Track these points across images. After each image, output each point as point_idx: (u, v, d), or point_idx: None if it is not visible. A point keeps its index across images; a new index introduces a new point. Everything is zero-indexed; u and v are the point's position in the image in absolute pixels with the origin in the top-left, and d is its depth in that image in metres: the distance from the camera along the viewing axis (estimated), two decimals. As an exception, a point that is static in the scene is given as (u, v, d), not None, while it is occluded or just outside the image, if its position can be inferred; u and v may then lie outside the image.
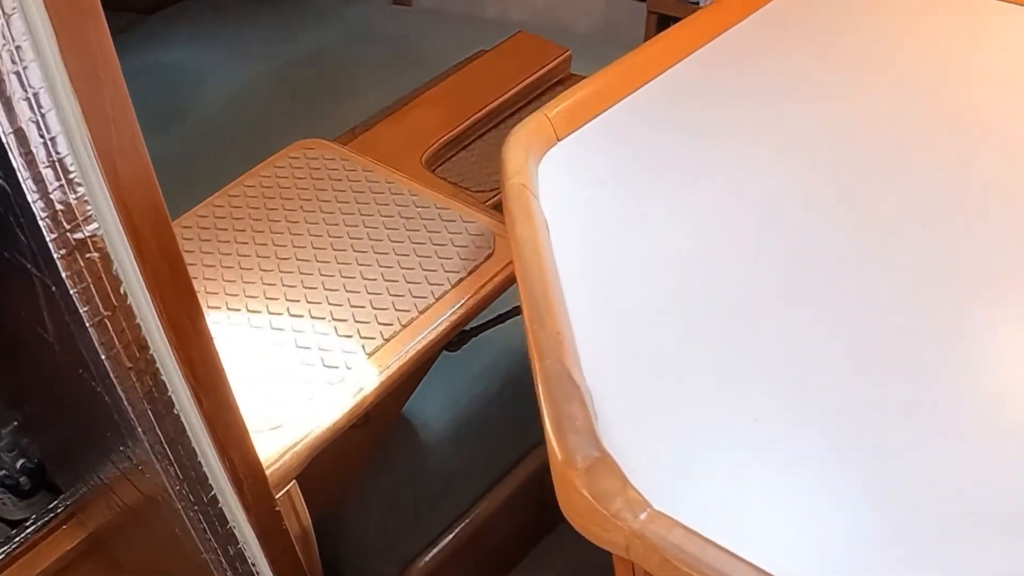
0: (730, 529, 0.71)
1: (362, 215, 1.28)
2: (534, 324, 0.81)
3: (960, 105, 1.14)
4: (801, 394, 0.81)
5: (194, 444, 0.87)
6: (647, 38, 2.61)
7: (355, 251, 1.25)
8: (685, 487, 0.74)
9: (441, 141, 1.65)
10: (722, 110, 1.17)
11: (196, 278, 1.22)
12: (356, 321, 1.17)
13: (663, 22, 2.47)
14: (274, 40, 2.29)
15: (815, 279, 0.92)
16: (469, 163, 1.66)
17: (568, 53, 1.80)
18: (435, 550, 1.45)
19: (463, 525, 1.47)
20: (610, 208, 1.03)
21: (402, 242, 1.26)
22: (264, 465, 0.99)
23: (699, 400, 0.81)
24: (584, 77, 1.80)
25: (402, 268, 1.22)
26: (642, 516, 0.69)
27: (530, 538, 1.64)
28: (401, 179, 1.35)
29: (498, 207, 1.54)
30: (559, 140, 1.13)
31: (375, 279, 1.21)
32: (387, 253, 1.25)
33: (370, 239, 1.26)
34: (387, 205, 1.30)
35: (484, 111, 1.70)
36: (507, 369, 1.42)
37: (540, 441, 1.50)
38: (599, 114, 1.15)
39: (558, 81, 1.80)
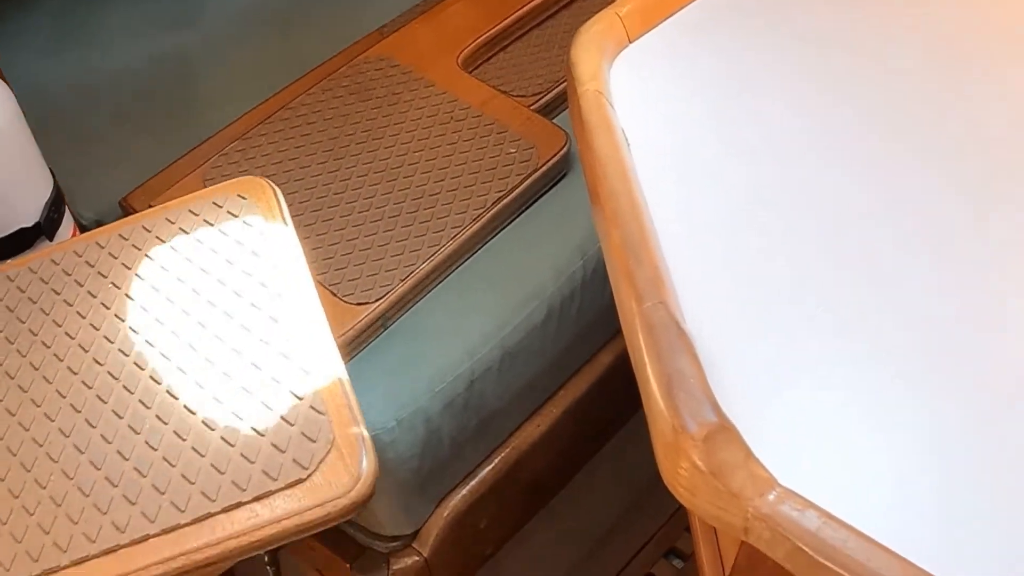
0: (867, 512, 0.60)
1: (215, 338, 0.96)
2: (628, 260, 0.69)
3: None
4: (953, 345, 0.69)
5: None
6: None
7: (169, 396, 0.92)
8: (810, 459, 0.63)
9: (479, 41, 1.52)
10: (838, 7, 1.02)
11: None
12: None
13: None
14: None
15: (954, 221, 0.80)
16: (509, 65, 1.52)
17: (616, -53, 1.65)
18: (470, 484, 1.36)
19: (500, 458, 1.38)
20: (696, 127, 0.90)
21: (221, 404, 0.90)
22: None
23: (822, 354, 0.69)
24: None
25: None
26: (771, 496, 0.58)
27: (568, 469, 1.55)
28: (305, 292, 0.98)
29: (543, 111, 1.42)
30: (631, 43, 0.99)
31: (179, 442, 0.89)
32: (195, 412, 0.90)
33: (197, 384, 0.92)
34: (249, 332, 0.96)
35: (524, 9, 1.56)
36: (550, 297, 1.31)
37: (577, 370, 1.44)
38: (678, 11, 1.01)
39: (604, -22, 1.66)
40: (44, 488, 0.87)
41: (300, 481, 0.82)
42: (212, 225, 1.04)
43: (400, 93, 1.44)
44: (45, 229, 1.26)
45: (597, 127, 0.81)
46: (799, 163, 0.88)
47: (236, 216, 1.05)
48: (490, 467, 1.36)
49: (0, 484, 0.88)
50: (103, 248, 1.06)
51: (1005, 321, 0.73)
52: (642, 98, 0.95)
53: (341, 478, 0.82)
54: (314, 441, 0.84)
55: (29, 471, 0.88)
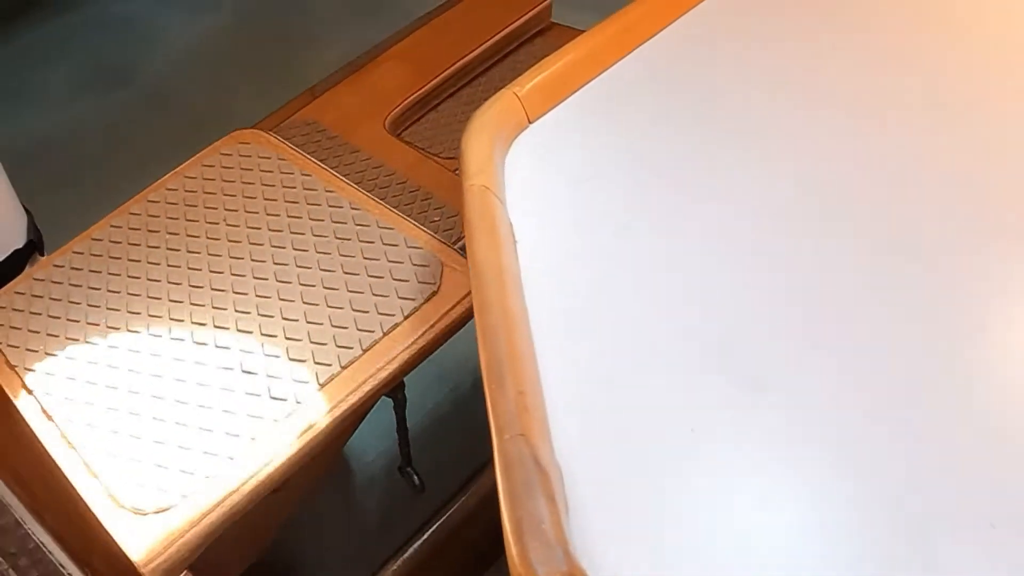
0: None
1: (292, 232, 1.12)
2: (492, 384, 0.66)
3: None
4: (833, 477, 0.67)
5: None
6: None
7: (277, 281, 1.08)
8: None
9: (407, 102, 1.49)
10: (735, 82, 1.00)
11: (98, 306, 1.09)
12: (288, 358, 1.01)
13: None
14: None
15: (837, 318, 0.77)
16: (439, 125, 1.50)
17: (548, 0, 1.63)
18: (407, 554, 1.33)
19: (434, 528, 1.35)
20: (588, 212, 0.88)
21: (333, 271, 1.08)
22: (146, 559, 0.86)
23: (703, 486, 0.67)
24: (566, 27, 1.66)
25: (336, 304, 1.06)
26: (621, 648, 0.55)
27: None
28: (342, 186, 1.15)
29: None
30: (531, 123, 0.97)
31: (314, 306, 1.05)
32: (313, 285, 1.07)
33: (297, 265, 1.09)
34: (322, 222, 1.13)
35: (454, 67, 1.53)
36: (476, 368, 1.28)
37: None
38: (578, 90, 0.99)
39: (537, 32, 1.63)
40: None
41: (434, 293, 1.04)
42: (231, 168, 1.17)
43: (326, 159, 1.41)
44: (38, 245, 1.40)
45: (478, 228, 0.79)
46: (695, 242, 0.85)
47: (249, 156, 1.18)
48: (423, 538, 1.34)
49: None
50: (139, 215, 1.15)
51: (893, 423, 0.71)
52: (543, 177, 0.93)
53: (462, 279, 1.05)
54: (426, 265, 1.05)
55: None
